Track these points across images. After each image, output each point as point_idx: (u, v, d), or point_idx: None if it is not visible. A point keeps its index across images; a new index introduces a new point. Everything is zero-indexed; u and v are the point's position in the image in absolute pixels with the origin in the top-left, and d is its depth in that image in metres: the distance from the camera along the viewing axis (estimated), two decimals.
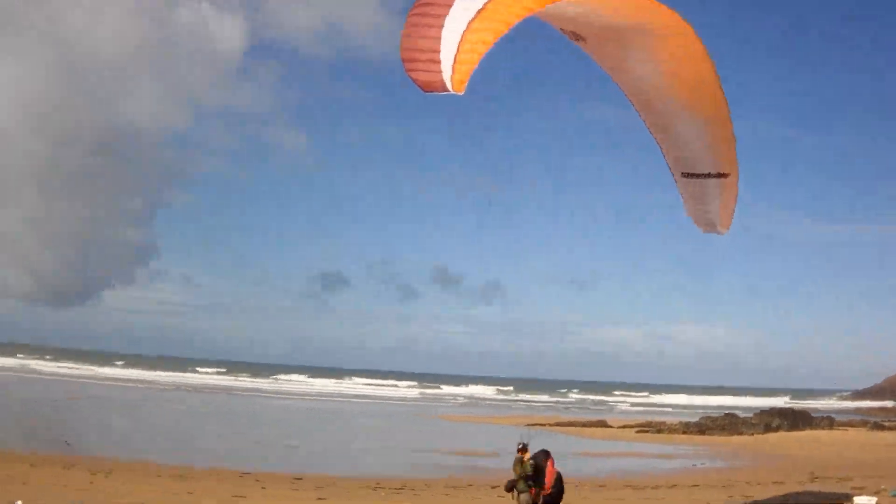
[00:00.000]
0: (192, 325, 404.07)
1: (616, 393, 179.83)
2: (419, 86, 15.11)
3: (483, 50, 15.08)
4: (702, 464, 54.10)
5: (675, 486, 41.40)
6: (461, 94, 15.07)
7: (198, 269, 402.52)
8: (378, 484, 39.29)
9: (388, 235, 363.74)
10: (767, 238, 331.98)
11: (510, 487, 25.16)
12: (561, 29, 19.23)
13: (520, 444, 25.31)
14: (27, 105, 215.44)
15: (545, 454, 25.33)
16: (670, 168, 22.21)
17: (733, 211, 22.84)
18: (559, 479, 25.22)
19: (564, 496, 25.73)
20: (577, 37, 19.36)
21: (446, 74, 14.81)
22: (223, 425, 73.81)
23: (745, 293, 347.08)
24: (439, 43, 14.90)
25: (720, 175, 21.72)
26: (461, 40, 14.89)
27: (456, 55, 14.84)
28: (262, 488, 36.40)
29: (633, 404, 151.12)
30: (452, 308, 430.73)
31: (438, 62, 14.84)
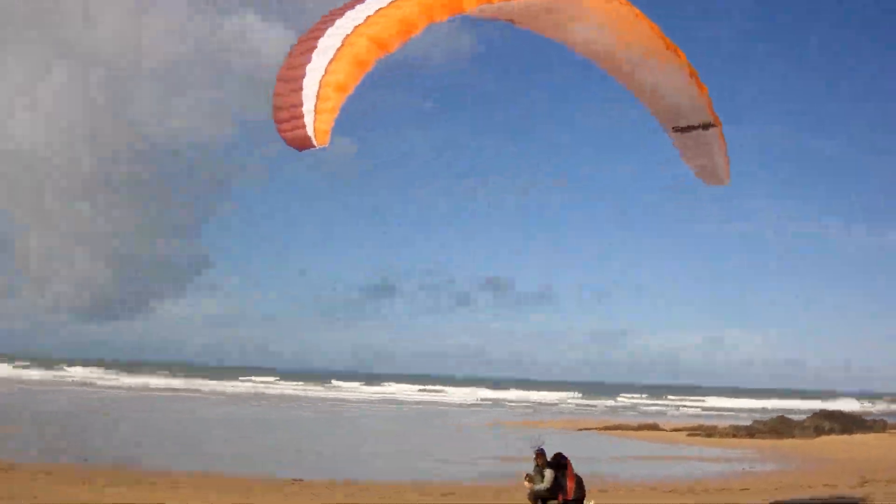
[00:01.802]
0: (244, 335, 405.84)
1: (671, 397, 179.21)
2: (289, 145, 14.69)
3: (340, 97, 14.62)
4: (751, 467, 53.87)
5: (724, 489, 41.32)
6: (326, 146, 14.49)
7: (248, 279, 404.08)
8: (423, 490, 39.46)
9: (438, 243, 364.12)
10: (815, 243, 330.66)
11: (535, 500, 24.67)
12: (483, 19, 18.90)
13: (536, 449, 24.83)
14: (76, 119, 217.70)
15: (562, 459, 24.87)
16: (663, 128, 22.39)
17: (728, 160, 22.91)
18: (580, 484, 24.75)
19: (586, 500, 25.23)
20: (510, 21, 19.15)
21: (309, 129, 14.34)
22: (276, 433, 74.16)
23: (795, 297, 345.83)
24: (301, 95, 14.48)
25: (709, 125, 21.87)
26: (320, 86, 14.48)
27: (315, 105, 14.39)
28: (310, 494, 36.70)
29: (687, 407, 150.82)
30: (504, 314, 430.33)
31: (302, 116, 14.38)
